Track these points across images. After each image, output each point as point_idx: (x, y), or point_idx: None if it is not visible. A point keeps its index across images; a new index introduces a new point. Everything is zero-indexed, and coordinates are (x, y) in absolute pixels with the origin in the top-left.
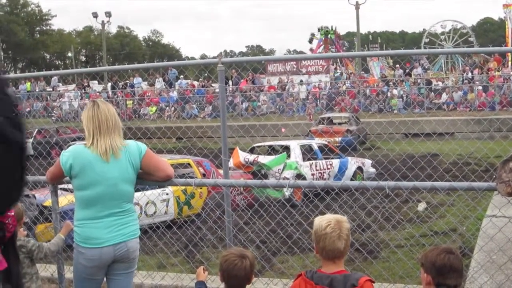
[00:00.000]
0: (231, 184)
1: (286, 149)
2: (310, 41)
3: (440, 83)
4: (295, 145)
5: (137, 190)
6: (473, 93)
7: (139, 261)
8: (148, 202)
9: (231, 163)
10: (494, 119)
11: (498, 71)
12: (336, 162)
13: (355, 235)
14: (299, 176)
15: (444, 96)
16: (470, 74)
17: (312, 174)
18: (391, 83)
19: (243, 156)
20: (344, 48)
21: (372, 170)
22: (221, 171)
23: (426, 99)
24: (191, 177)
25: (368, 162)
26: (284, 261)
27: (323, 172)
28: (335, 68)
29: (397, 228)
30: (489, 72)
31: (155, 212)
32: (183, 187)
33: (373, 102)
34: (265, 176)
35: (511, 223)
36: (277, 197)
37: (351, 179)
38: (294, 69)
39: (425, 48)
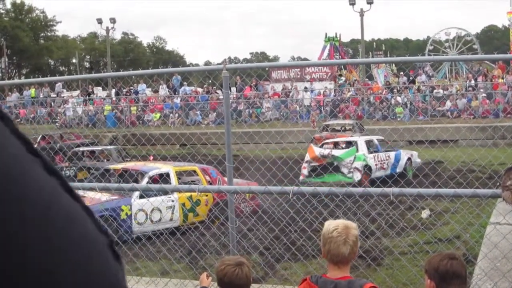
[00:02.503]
0: (235, 191)
1: (351, 144)
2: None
3: (441, 90)
4: (361, 140)
5: (141, 196)
6: (477, 101)
7: (142, 267)
8: (153, 209)
9: (308, 157)
10: (499, 126)
11: (502, 78)
12: (392, 154)
13: (359, 242)
14: (366, 166)
15: (448, 104)
16: (473, 82)
17: (375, 164)
18: (395, 90)
19: (318, 150)
20: (348, 55)
21: (418, 160)
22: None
23: (430, 105)
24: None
25: (415, 153)
26: (288, 267)
27: (383, 163)
28: (340, 75)
29: (401, 235)
30: (493, 80)
31: (160, 219)
32: (188, 194)
33: (377, 109)
34: (337, 167)
35: None
36: (350, 181)
37: (404, 168)
38: (298, 76)
39: (429, 55)
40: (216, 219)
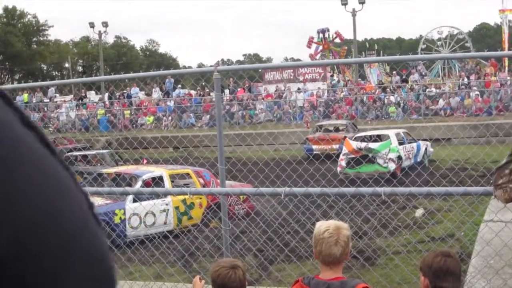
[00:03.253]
0: (227, 193)
1: (379, 137)
2: (309, 45)
3: (434, 89)
4: (392, 134)
5: (134, 200)
6: (470, 99)
7: (136, 271)
8: (147, 213)
9: (345, 150)
10: (491, 124)
11: (495, 76)
12: (415, 145)
13: (352, 242)
14: (399, 157)
15: (441, 102)
16: (466, 80)
17: (405, 155)
18: (388, 89)
19: (354, 144)
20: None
21: (432, 149)
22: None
23: (423, 104)
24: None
25: (429, 144)
26: (281, 269)
27: (409, 153)
28: (332, 75)
29: (394, 234)
30: (486, 77)
31: (154, 223)
32: (182, 197)
33: (370, 109)
34: (373, 159)
35: (508, 228)
36: (385, 171)
37: (423, 156)
38: (291, 77)
39: (422, 54)
40: (210, 222)
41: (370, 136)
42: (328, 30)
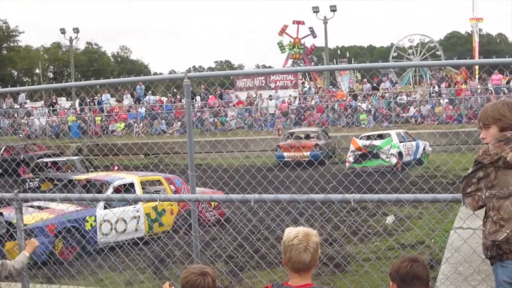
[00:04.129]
0: (196, 199)
1: (381, 136)
2: (281, 33)
3: (405, 97)
4: (393, 133)
5: (105, 207)
6: (441, 107)
7: (106, 278)
8: (118, 219)
9: (352, 148)
10: (460, 132)
11: (466, 84)
12: (414, 144)
13: (322, 249)
14: (399, 153)
15: (412, 110)
16: (437, 88)
17: (405, 151)
18: (359, 97)
19: (360, 142)
20: (313, 63)
21: (430, 148)
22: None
23: (393, 112)
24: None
25: (427, 143)
26: (252, 276)
27: (409, 149)
28: (302, 83)
29: (364, 241)
30: (456, 85)
31: (125, 229)
32: (153, 204)
33: (341, 116)
34: (377, 154)
35: (477, 235)
36: (388, 165)
37: (421, 154)
38: (263, 84)
39: (393, 62)
40: (180, 229)
41: (373, 135)
42: (304, 23)
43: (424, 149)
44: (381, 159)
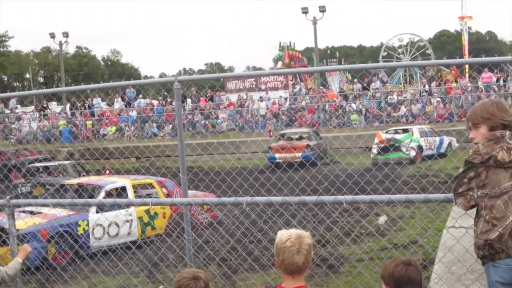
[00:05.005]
0: (189, 203)
1: (407, 130)
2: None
3: (395, 96)
4: (415, 128)
5: (97, 211)
6: (432, 105)
7: (100, 282)
8: (110, 223)
9: (376, 140)
10: (451, 131)
11: (456, 82)
12: (437, 139)
13: (315, 250)
14: (419, 146)
15: (403, 109)
16: (427, 87)
17: (425, 145)
18: (350, 97)
19: (384, 135)
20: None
21: (457, 145)
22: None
23: (384, 111)
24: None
25: (454, 139)
26: (245, 278)
27: (431, 144)
28: (293, 84)
29: (357, 242)
30: (447, 84)
31: (118, 233)
32: (145, 208)
33: (332, 116)
34: (398, 147)
35: (469, 234)
36: (407, 157)
37: (446, 149)
38: (253, 86)
39: (383, 61)
40: (173, 232)
41: (397, 130)
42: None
43: (450, 144)
44: (401, 152)
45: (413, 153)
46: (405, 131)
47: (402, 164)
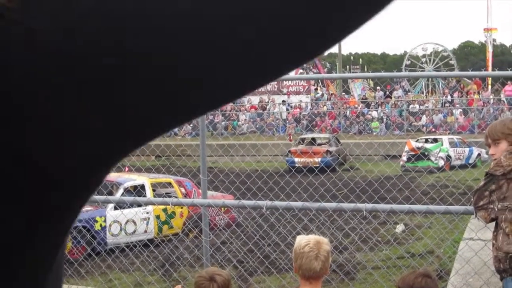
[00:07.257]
0: (208, 204)
1: (437, 140)
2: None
3: (417, 105)
4: (445, 138)
5: (115, 208)
6: (453, 116)
7: (116, 279)
8: (128, 220)
9: (406, 148)
10: (472, 142)
11: (478, 94)
12: (467, 149)
13: (332, 257)
14: (448, 156)
15: (424, 119)
16: (449, 97)
17: (454, 156)
18: (372, 104)
19: (414, 144)
20: (326, 69)
21: (486, 156)
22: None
23: (405, 120)
24: (171, 197)
25: (483, 151)
26: (261, 281)
27: (459, 154)
28: (316, 89)
29: (374, 250)
30: (469, 96)
31: (135, 231)
32: (163, 206)
33: (353, 123)
34: (427, 156)
35: (487, 247)
36: (436, 166)
37: (475, 160)
38: (275, 89)
39: (406, 70)
40: (190, 232)
41: (427, 139)
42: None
43: (479, 155)
44: (430, 161)
45: (441, 162)
46: (435, 140)
47: (432, 171)
